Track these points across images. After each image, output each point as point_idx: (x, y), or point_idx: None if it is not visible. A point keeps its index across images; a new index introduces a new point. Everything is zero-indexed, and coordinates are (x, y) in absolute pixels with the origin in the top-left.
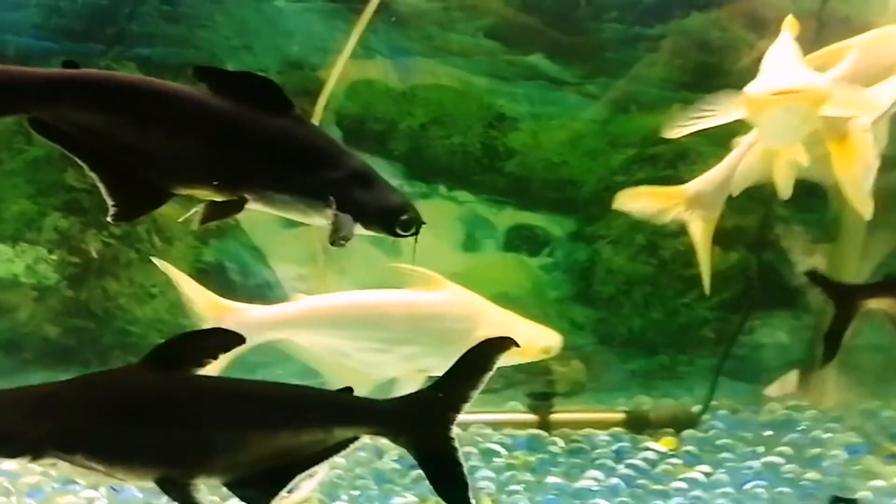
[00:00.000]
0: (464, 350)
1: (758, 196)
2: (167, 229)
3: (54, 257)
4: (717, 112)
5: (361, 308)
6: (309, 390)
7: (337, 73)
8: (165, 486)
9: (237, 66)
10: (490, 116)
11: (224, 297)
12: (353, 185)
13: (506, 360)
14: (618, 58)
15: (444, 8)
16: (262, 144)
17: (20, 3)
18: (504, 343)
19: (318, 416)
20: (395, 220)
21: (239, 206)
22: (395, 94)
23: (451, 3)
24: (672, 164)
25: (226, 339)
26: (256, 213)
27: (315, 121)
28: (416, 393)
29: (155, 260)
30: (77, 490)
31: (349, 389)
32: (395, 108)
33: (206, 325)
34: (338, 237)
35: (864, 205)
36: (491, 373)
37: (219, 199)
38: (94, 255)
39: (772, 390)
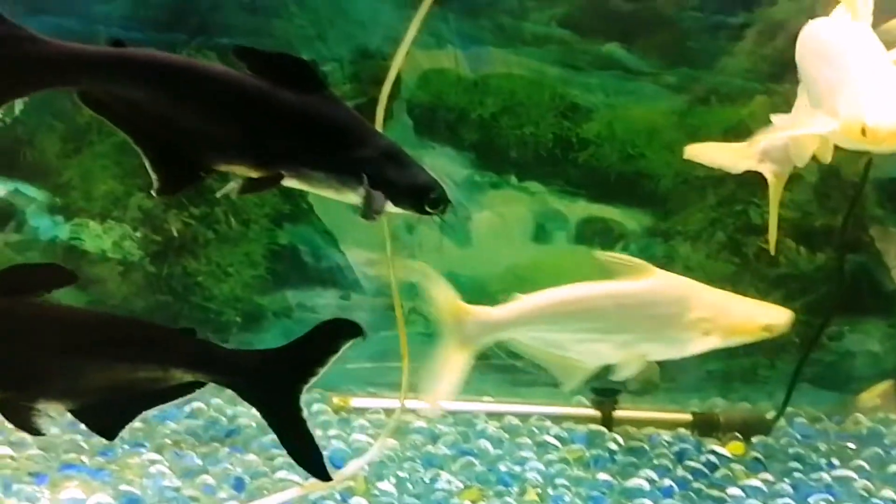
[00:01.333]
0: (678, 333)
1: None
2: (244, 212)
3: (138, 235)
4: (809, 122)
5: (576, 302)
6: (150, 328)
7: (399, 62)
8: (4, 409)
9: (311, 55)
10: (563, 106)
11: (296, 279)
12: (384, 163)
13: (728, 340)
14: (698, 47)
15: None
16: (298, 123)
17: None
18: (352, 330)
19: (156, 354)
20: (424, 197)
21: (275, 181)
22: (466, 84)
23: None
24: None
25: (57, 275)
26: (330, 200)
27: (380, 108)
28: (263, 350)
29: (410, 262)
30: (142, 452)
31: (192, 331)
32: (466, 97)
33: (446, 325)
34: (370, 212)
35: None
36: (337, 355)
37: (255, 175)
38: (175, 233)
39: (860, 401)
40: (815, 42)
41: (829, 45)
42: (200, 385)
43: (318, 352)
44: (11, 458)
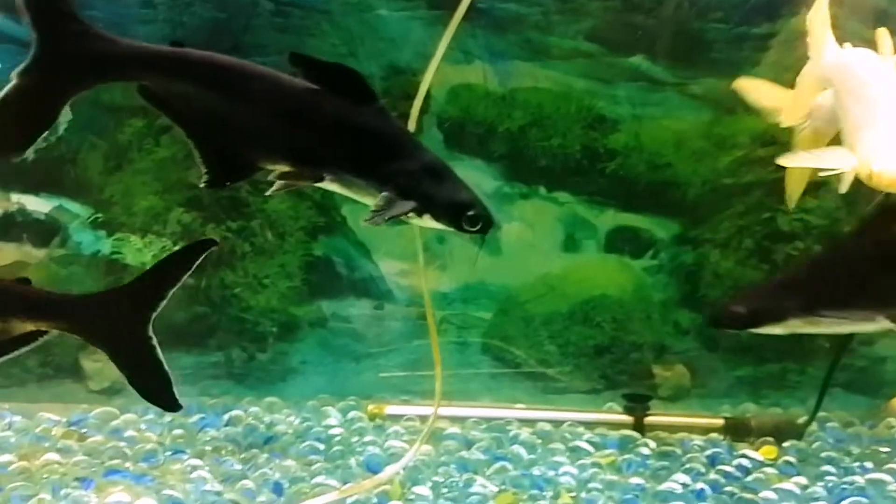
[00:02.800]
0: None
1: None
2: (280, 225)
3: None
4: (831, 161)
5: None
6: None
7: (429, 77)
8: None
9: None
10: (590, 118)
11: (330, 289)
12: (425, 177)
13: None
14: (723, 58)
15: (543, 12)
16: (345, 130)
17: (150, 18)
18: (208, 244)
19: None
20: (462, 214)
21: (316, 180)
22: (494, 98)
23: (549, 7)
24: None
25: None
26: (363, 210)
27: (411, 123)
28: (105, 291)
29: None
30: (183, 458)
31: (27, 281)
32: (494, 110)
33: None
34: (380, 216)
35: None
36: (188, 272)
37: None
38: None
39: (891, 405)
40: (850, 74)
41: (862, 82)
42: (43, 334)
43: (168, 277)
44: (59, 463)
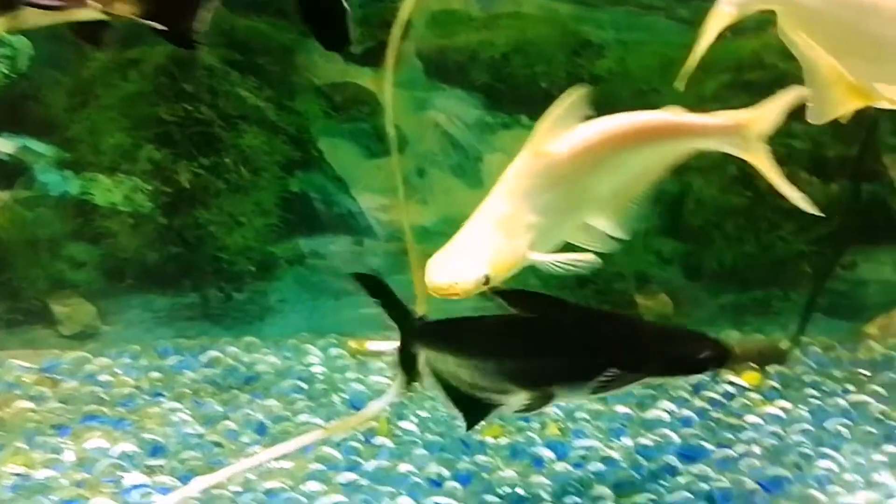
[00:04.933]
0: None
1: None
2: (254, 160)
3: (149, 187)
4: None
5: None
6: None
7: (409, 6)
8: None
9: None
10: (575, 44)
11: (308, 226)
12: None
13: None
14: None
15: None
16: None
17: None
18: None
19: None
20: None
21: None
22: (476, 24)
23: None
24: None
25: None
26: (339, 144)
27: (391, 53)
28: None
29: None
30: (161, 401)
31: None
32: (476, 37)
33: None
34: None
35: None
36: None
37: None
38: (186, 185)
39: (873, 328)
40: None
41: None
42: None
43: None
44: (33, 411)
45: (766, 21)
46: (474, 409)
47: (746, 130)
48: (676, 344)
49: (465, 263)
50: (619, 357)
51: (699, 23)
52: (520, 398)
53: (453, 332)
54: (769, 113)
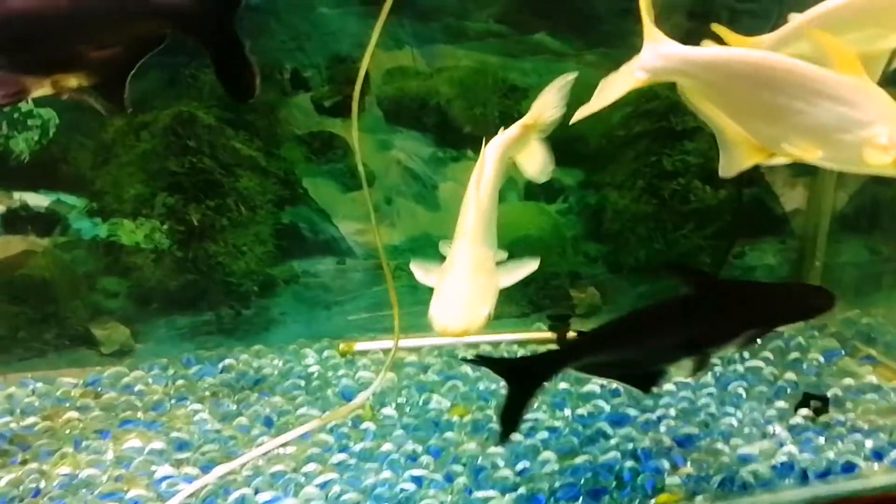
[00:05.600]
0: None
1: None
2: (250, 200)
3: (165, 227)
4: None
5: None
6: None
7: (365, 64)
8: None
9: (293, 64)
10: (504, 88)
11: (299, 251)
12: None
13: None
14: (611, 29)
15: (459, 1)
16: None
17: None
18: None
19: None
20: None
21: None
22: (423, 76)
23: None
24: (664, 117)
25: None
26: (320, 182)
27: (354, 103)
28: None
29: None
30: (186, 404)
31: None
32: (424, 87)
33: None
34: None
35: None
36: None
37: None
38: (196, 223)
39: None
40: None
41: None
42: None
43: None
44: (79, 420)
45: None
46: (646, 380)
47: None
48: (798, 297)
49: (471, 309)
50: (757, 316)
51: (604, 66)
52: (683, 364)
53: (617, 328)
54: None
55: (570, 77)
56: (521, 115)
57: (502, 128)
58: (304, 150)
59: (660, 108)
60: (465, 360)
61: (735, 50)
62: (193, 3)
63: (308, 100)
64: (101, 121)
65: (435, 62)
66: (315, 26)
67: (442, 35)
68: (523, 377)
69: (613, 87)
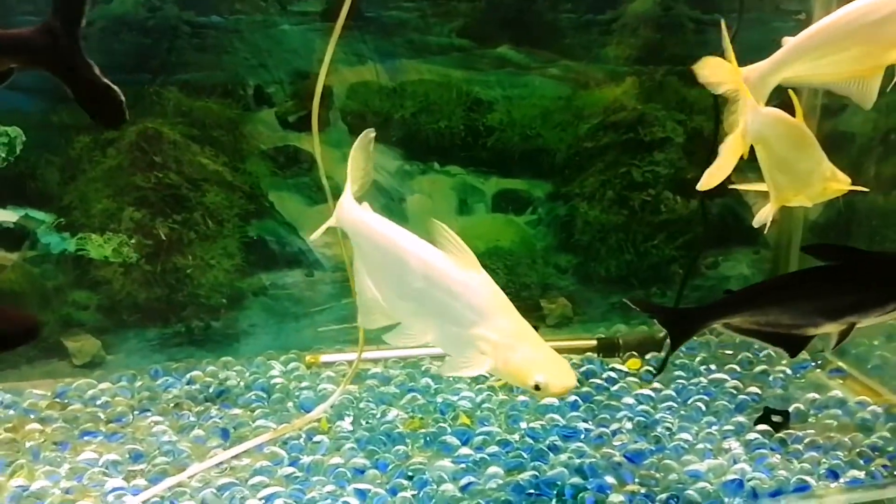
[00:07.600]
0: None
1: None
2: (217, 214)
3: (133, 241)
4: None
5: None
6: None
7: (322, 78)
8: None
9: (257, 80)
10: (469, 102)
11: (267, 263)
12: None
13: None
14: (575, 42)
15: (421, 16)
16: None
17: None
18: None
19: None
20: None
21: None
22: (387, 91)
23: (426, 11)
24: (632, 129)
25: None
26: (286, 196)
27: (314, 117)
28: None
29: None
30: (148, 416)
31: None
32: (388, 102)
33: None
34: None
35: None
36: None
37: None
38: (163, 237)
39: None
40: None
41: None
42: None
43: None
44: (40, 431)
45: (623, 73)
46: (794, 342)
47: None
48: None
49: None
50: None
51: (567, 78)
52: (828, 329)
53: (766, 289)
54: None
55: (371, 134)
56: (485, 129)
57: None
58: (269, 164)
59: (627, 119)
60: (627, 302)
61: None
62: (34, 35)
63: (272, 115)
64: (67, 138)
65: (398, 77)
66: (277, 43)
67: (405, 50)
68: (679, 325)
69: None
